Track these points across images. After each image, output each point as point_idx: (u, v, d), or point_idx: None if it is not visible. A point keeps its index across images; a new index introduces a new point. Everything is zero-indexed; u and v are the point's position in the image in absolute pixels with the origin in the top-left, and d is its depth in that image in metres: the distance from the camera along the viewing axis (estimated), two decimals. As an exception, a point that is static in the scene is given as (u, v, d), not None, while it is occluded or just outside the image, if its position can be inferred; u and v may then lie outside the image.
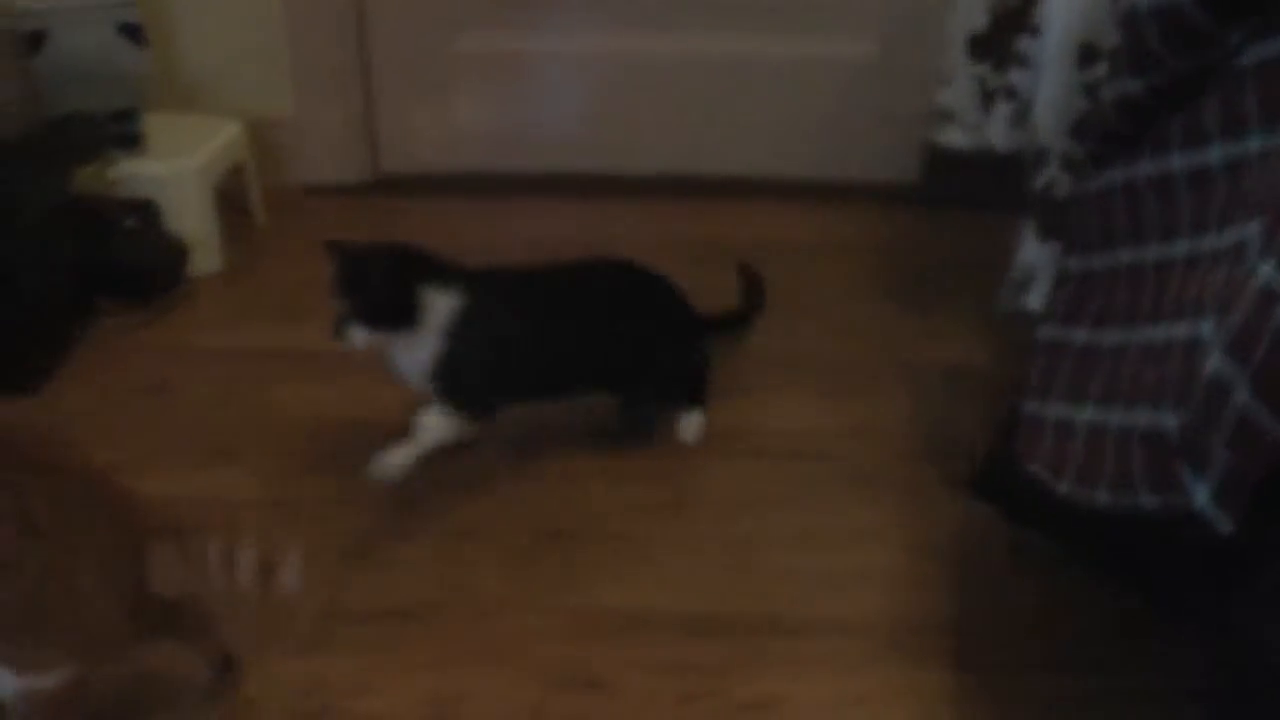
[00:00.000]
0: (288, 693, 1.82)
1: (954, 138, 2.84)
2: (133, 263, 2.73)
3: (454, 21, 3.17)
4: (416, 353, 2.04)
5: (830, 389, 2.49)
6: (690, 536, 2.14)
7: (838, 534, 2.14)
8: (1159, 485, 1.40)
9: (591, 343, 2.21)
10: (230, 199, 3.04)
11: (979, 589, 2.03)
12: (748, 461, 2.31)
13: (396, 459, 2.06)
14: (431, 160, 3.31)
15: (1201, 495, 1.33)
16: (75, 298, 2.65)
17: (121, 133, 2.83)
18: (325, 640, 1.92)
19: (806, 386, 2.50)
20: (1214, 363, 1.32)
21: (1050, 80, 2.23)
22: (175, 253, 2.79)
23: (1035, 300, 2.32)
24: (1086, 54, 2.13)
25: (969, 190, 2.94)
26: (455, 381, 2.07)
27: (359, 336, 1.98)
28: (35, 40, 2.78)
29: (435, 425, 2.08)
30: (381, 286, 2.00)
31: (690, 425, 2.35)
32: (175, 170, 2.84)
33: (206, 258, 2.89)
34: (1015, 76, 2.50)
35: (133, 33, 2.82)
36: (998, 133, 2.72)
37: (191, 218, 2.84)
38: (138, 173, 2.81)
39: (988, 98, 2.69)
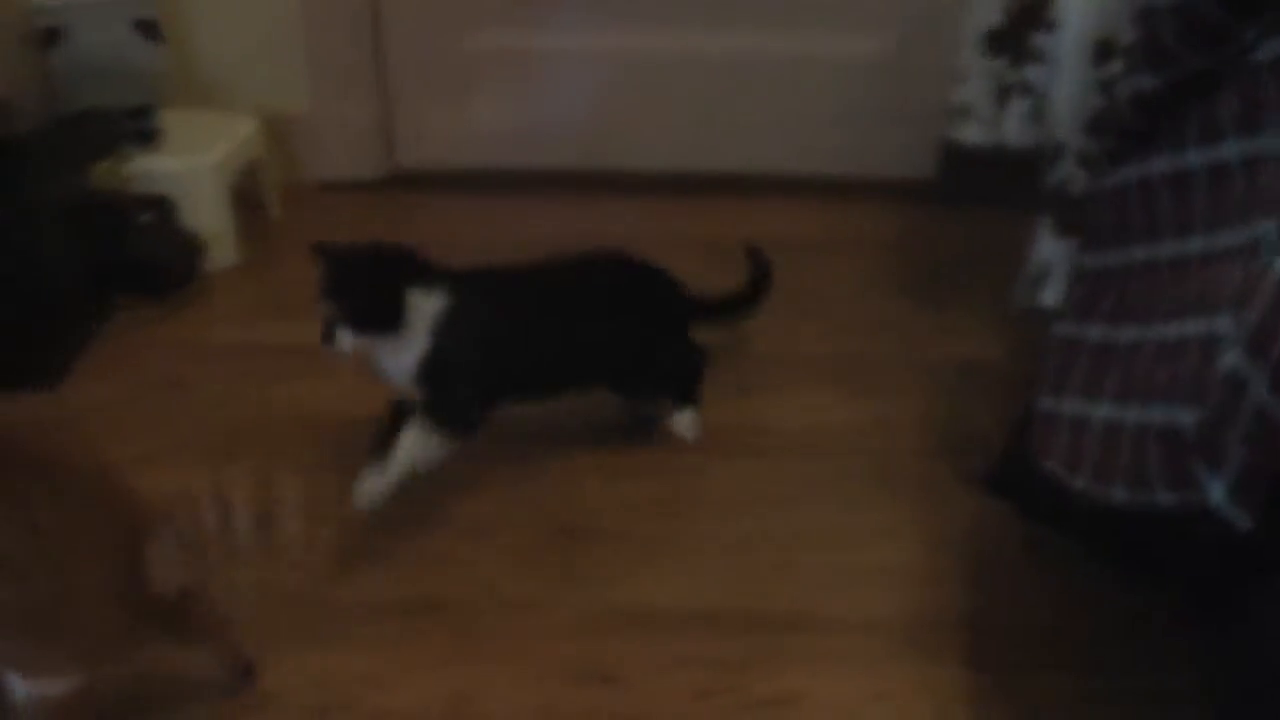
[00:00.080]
0: (301, 687, 1.83)
1: (970, 134, 2.83)
2: (148, 258, 2.74)
3: (469, 18, 3.17)
4: (403, 355, 2.01)
5: (845, 385, 2.49)
6: (705, 533, 2.14)
7: (854, 531, 2.14)
8: (1176, 482, 1.40)
9: (582, 339, 2.19)
10: (246, 195, 3.04)
11: (995, 586, 2.02)
12: (761, 458, 2.31)
13: (376, 485, 2.01)
14: (446, 156, 3.32)
15: (1218, 492, 1.33)
16: (91, 293, 2.66)
17: (137, 129, 2.83)
18: (337, 635, 1.92)
19: (821, 383, 2.50)
20: (1230, 359, 1.32)
21: (1066, 77, 2.23)
22: (191, 248, 2.80)
23: (1050, 297, 2.32)
24: (1102, 50, 2.13)
25: (984, 187, 2.93)
26: (442, 384, 2.04)
27: (346, 340, 1.95)
28: (51, 37, 2.78)
29: (414, 446, 2.03)
30: (368, 289, 1.97)
31: (684, 422, 2.34)
32: (191, 166, 2.85)
33: (222, 253, 2.89)
34: (1031, 73, 2.50)
35: (148, 29, 2.82)
36: (1013, 129, 2.72)
37: (207, 213, 2.85)
38: (154, 169, 2.81)
39: (1003, 94, 2.69)
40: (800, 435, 2.37)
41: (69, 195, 2.62)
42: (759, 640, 1.92)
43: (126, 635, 1.58)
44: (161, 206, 2.75)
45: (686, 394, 2.35)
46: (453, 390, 2.05)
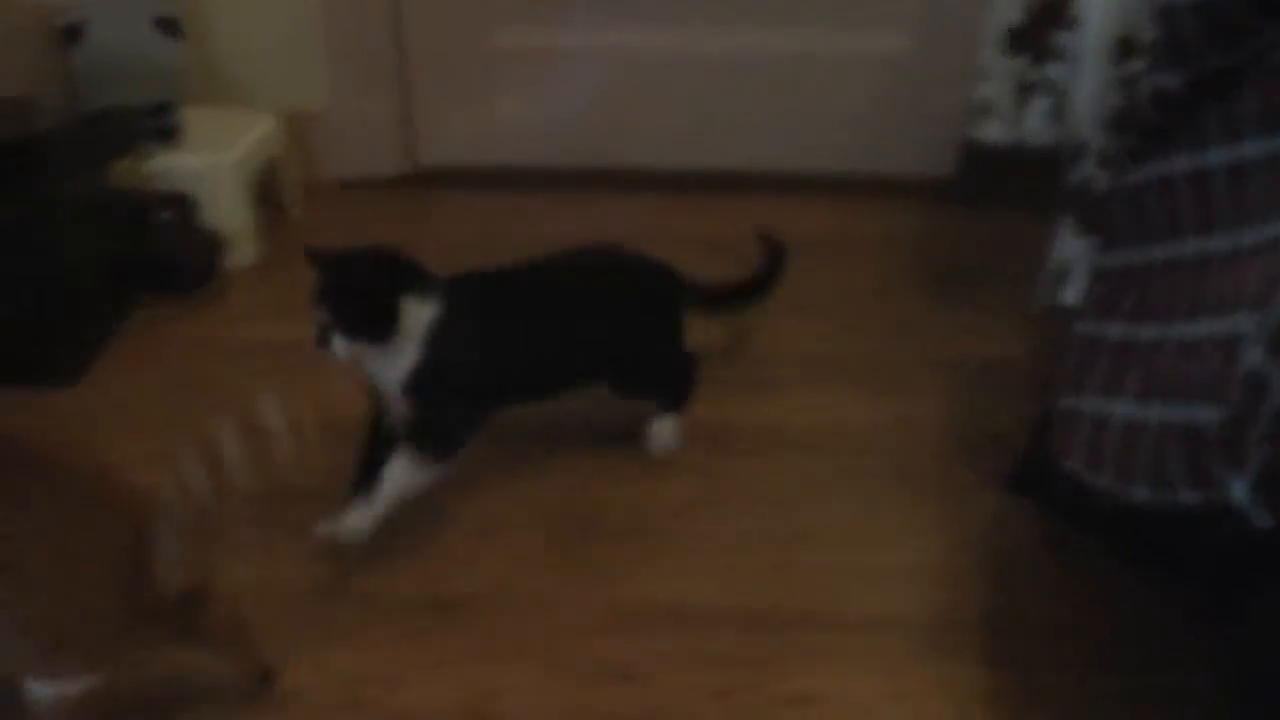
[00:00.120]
0: (321, 686, 1.83)
1: (990, 132, 2.84)
2: (168, 256, 2.75)
3: (490, 15, 3.18)
4: (394, 364, 1.98)
5: (865, 384, 2.49)
6: (726, 532, 2.14)
7: (873, 529, 2.14)
8: (1198, 481, 1.40)
9: (579, 339, 2.17)
10: (266, 192, 3.05)
11: (1015, 585, 2.02)
12: (784, 457, 2.31)
13: (363, 519, 1.98)
14: (466, 154, 3.32)
15: (1240, 490, 1.33)
16: (111, 291, 2.67)
17: (157, 126, 2.84)
18: (356, 634, 1.92)
19: (842, 382, 2.50)
20: (1252, 357, 1.32)
21: (1087, 75, 2.23)
22: (210, 246, 2.81)
23: (1071, 295, 2.32)
24: (1123, 48, 2.12)
25: (1004, 185, 2.93)
26: (430, 401, 2.01)
27: (341, 346, 1.92)
28: (72, 34, 2.79)
29: (401, 477, 2.00)
30: (363, 296, 1.94)
31: (664, 430, 2.31)
32: (212, 164, 2.85)
33: (242, 251, 2.90)
34: (1053, 71, 2.50)
35: (169, 26, 2.83)
36: (1034, 127, 2.72)
37: (228, 211, 2.85)
38: (174, 166, 2.82)
39: (1025, 92, 2.69)
40: (819, 434, 2.36)
41: (89, 193, 2.63)
42: (777, 639, 1.92)
43: (134, 637, 1.58)
44: (182, 204, 2.76)
45: (676, 397, 2.32)
46: (442, 409, 2.03)
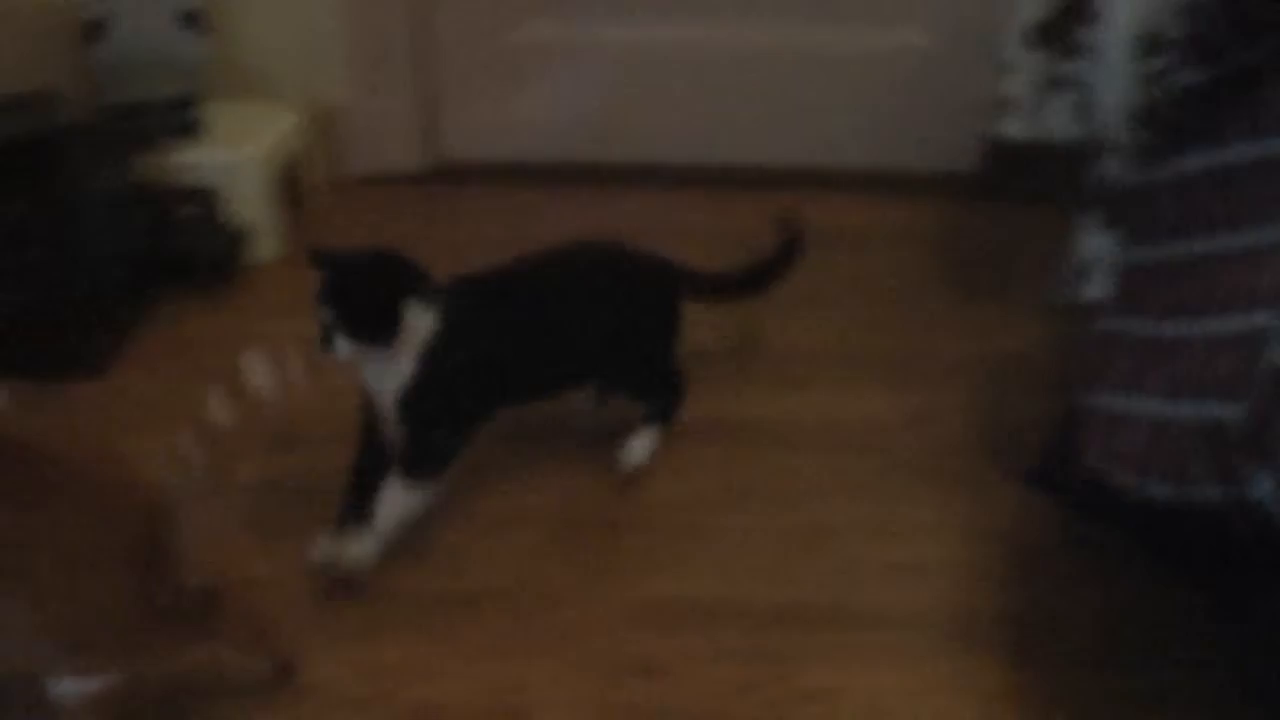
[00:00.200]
0: (343, 679, 1.83)
1: (1014, 128, 2.83)
2: (190, 251, 2.75)
3: (513, 10, 3.18)
4: (390, 373, 1.97)
5: (888, 380, 2.48)
6: (748, 527, 2.14)
7: (896, 525, 2.14)
8: (1220, 477, 1.40)
9: (574, 341, 2.16)
10: (288, 187, 3.05)
11: (1038, 582, 2.02)
12: (805, 452, 2.30)
13: (366, 550, 1.98)
14: (489, 149, 3.32)
15: (1263, 486, 1.33)
16: (135, 284, 2.67)
17: (180, 121, 2.84)
18: (378, 628, 1.93)
19: (863, 377, 2.50)
20: (1275, 354, 1.31)
21: (1112, 71, 2.22)
22: (233, 240, 2.81)
23: (1094, 291, 2.32)
24: (1147, 44, 2.12)
25: (1028, 181, 2.93)
26: (422, 420, 2.00)
27: (344, 347, 1.91)
28: (95, 29, 2.80)
29: (396, 504, 2.00)
30: (366, 297, 1.93)
31: (638, 447, 2.26)
32: (237, 158, 2.86)
33: (266, 245, 2.91)
34: (1077, 67, 2.50)
35: (192, 20, 2.83)
36: (1058, 123, 2.71)
37: (252, 205, 2.86)
38: (199, 161, 2.83)
39: (1049, 87, 2.68)
40: (840, 429, 2.36)
41: (111, 188, 2.64)
42: (799, 634, 1.92)
43: (152, 634, 1.59)
44: (204, 199, 2.77)
45: (665, 408, 2.30)
46: (433, 428, 2.02)
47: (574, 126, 3.28)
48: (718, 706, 1.81)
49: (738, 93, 3.22)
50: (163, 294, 2.73)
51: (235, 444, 1.58)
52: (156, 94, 2.83)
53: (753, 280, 2.40)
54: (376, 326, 1.92)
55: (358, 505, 2.01)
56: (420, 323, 1.95)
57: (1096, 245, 2.39)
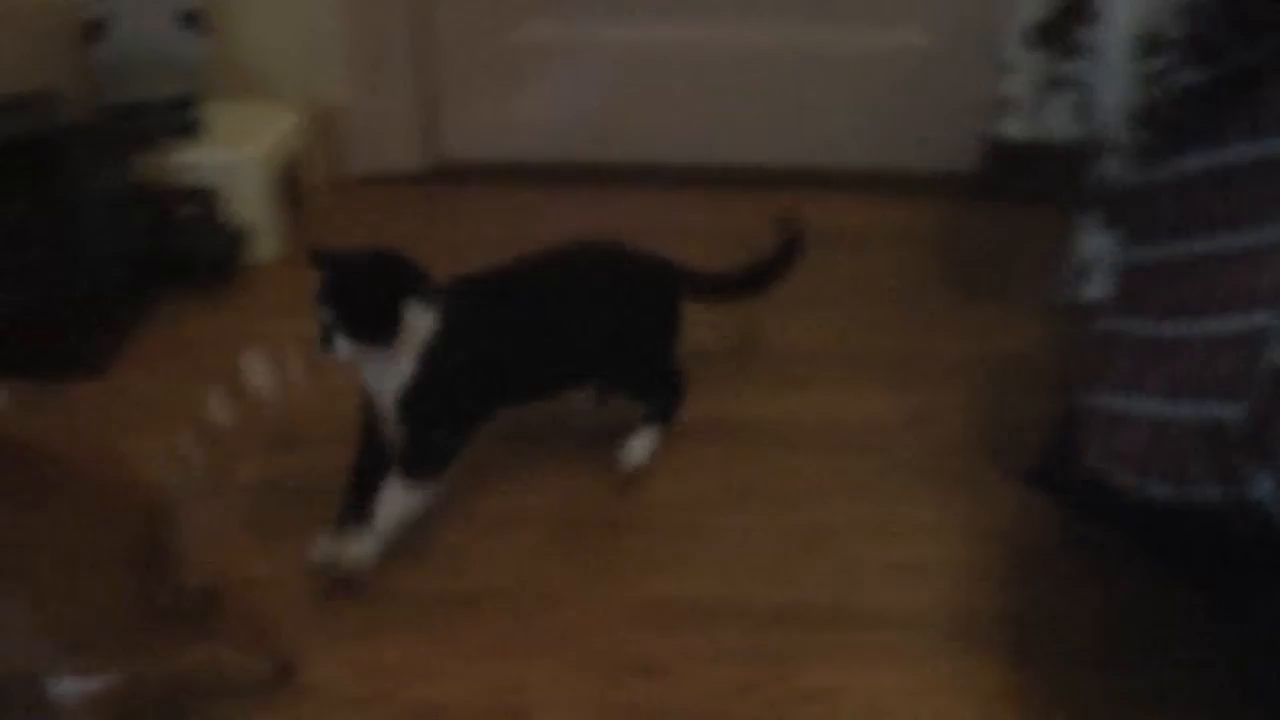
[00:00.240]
0: (343, 679, 1.84)
1: (1014, 127, 2.83)
2: (190, 250, 2.75)
3: (513, 10, 3.18)
4: (390, 374, 1.97)
5: (888, 380, 2.48)
6: (748, 527, 2.14)
7: (896, 525, 2.13)
8: (1220, 477, 1.40)
9: (574, 342, 2.15)
10: (290, 186, 3.05)
11: (1038, 583, 2.02)
12: (805, 452, 2.30)
13: (366, 550, 1.98)
14: (490, 149, 3.32)
15: (1263, 486, 1.33)
16: (135, 284, 2.67)
17: (180, 121, 2.84)
18: (377, 628, 1.93)
19: (863, 377, 2.50)
20: (1275, 354, 1.32)
21: (1112, 71, 2.22)
22: (234, 240, 2.81)
23: (1093, 291, 2.32)
24: (1149, 44, 2.12)
25: (1028, 181, 2.93)
26: (421, 422, 2.00)
27: (344, 347, 1.91)
28: (95, 28, 2.80)
29: (395, 505, 2.00)
30: (366, 297, 1.92)
31: (638, 447, 2.26)
32: (237, 158, 2.86)
33: (266, 245, 2.91)
34: (1077, 66, 2.50)
35: (192, 20, 2.83)
36: (1059, 123, 2.71)
37: (252, 205, 2.86)
38: (197, 161, 2.83)
39: (1049, 87, 2.68)
40: (840, 429, 2.36)
41: (111, 188, 2.64)
42: (799, 634, 1.92)
43: (152, 634, 1.59)
44: (204, 199, 2.77)
45: (665, 408, 2.30)
46: (431, 430, 2.02)
47: (574, 126, 3.29)
48: (718, 706, 1.81)
49: (738, 92, 3.22)
50: (163, 294, 2.73)
51: (235, 444, 1.57)
52: (156, 94, 2.83)
53: (753, 280, 2.39)
54: (376, 326, 1.92)
55: (358, 505, 2.01)
56: (420, 323, 1.95)
57: (1096, 245, 2.39)
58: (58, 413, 2.32)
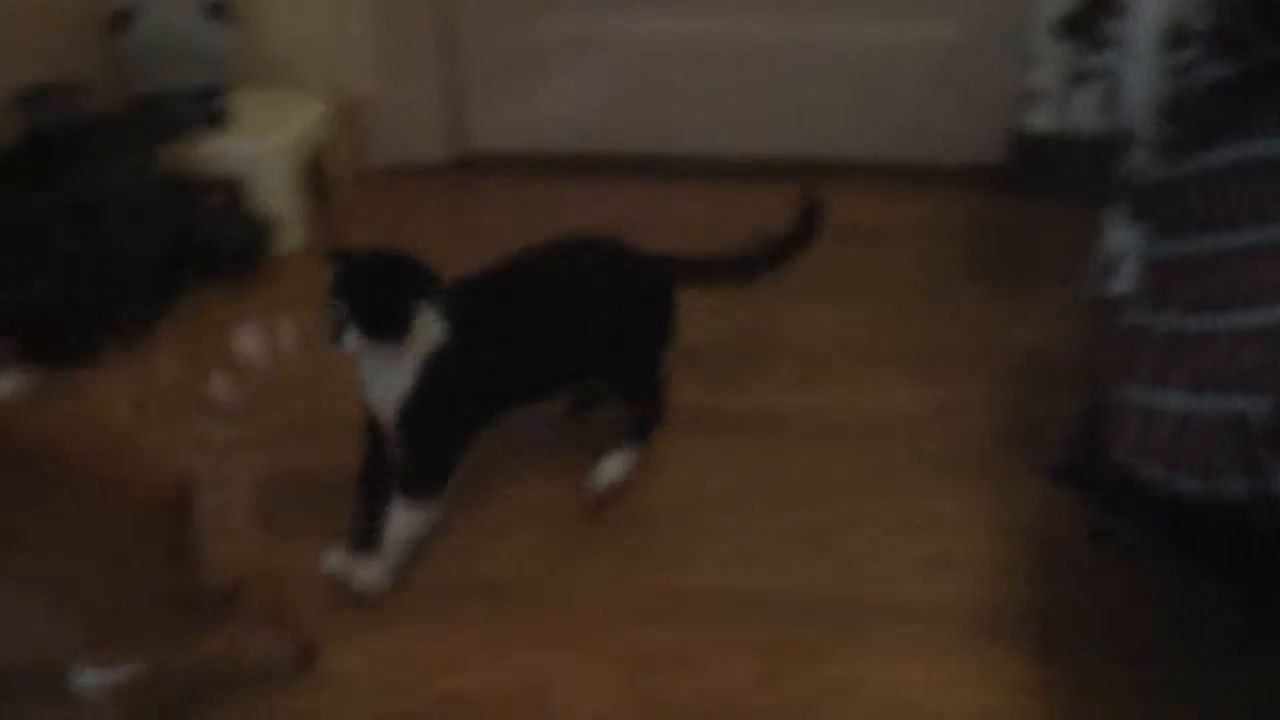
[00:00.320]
0: (367, 668, 1.84)
1: (1041, 120, 2.82)
2: (217, 240, 2.76)
3: (539, 2, 3.18)
4: (393, 380, 1.96)
5: (913, 373, 2.48)
6: (771, 519, 2.14)
7: (922, 518, 2.14)
8: (1245, 470, 1.40)
9: (574, 344, 2.14)
10: (315, 176, 3.06)
11: (1063, 576, 2.02)
12: (832, 445, 2.30)
13: (378, 572, 1.99)
14: (513, 140, 3.33)
15: (1288, 480, 1.33)
16: (161, 273, 2.68)
17: (207, 111, 2.85)
18: (401, 617, 1.94)
19: (888, 370, 2.50)
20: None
21: (1139, 63, 2.22)
22: (260, 230, 2.82)
23: (1120, 285, 2.32)
24: (1176, 37, 2.12)
25: (1055, 174, 2.93)
26: (421, 438, 1.99)
27: (354, 341, 1.90)
28: (122, 19, 2.80)
29: (403, 526, 2.00)
30: (381, 292, 1.92)
31: (611, 469, 2.23)
32: (263, 148, 2.87)
33: (292, 235, 2.91)
34: (1104, 59, 2.49)
35: (218, 10, 2.84)
36: (1086, 115, 2.71)
37: (278, 195, 2.87)
38: (226, 150, 2.84)
39: (1076, 80, 2.68)
40: (865, 422, 2.36)
41: (138, 178, 2.64)
42: (823, 626, 1.92)
43: (175, 623, 1.59)
44: (230, 189, 2.77)
45: (643, 426, 2.26)
46: (432, 444, 2.02)
47: (599, 118, 3.29)
48: (741, 698, 1.81)
49: (764, 85, 3.21)
50: (188, 283, 2.73)
51: (256, 433, 1.57)
52: (183, 84, 2.84)
53: (763, 259, 2.34)
54: (388, 323, 1.91)
55: (367, 519, 2.02)
56: (428, 330, 1.95)
57: (1123, 239, 2.39)
58: (82, 401, 2.33)
